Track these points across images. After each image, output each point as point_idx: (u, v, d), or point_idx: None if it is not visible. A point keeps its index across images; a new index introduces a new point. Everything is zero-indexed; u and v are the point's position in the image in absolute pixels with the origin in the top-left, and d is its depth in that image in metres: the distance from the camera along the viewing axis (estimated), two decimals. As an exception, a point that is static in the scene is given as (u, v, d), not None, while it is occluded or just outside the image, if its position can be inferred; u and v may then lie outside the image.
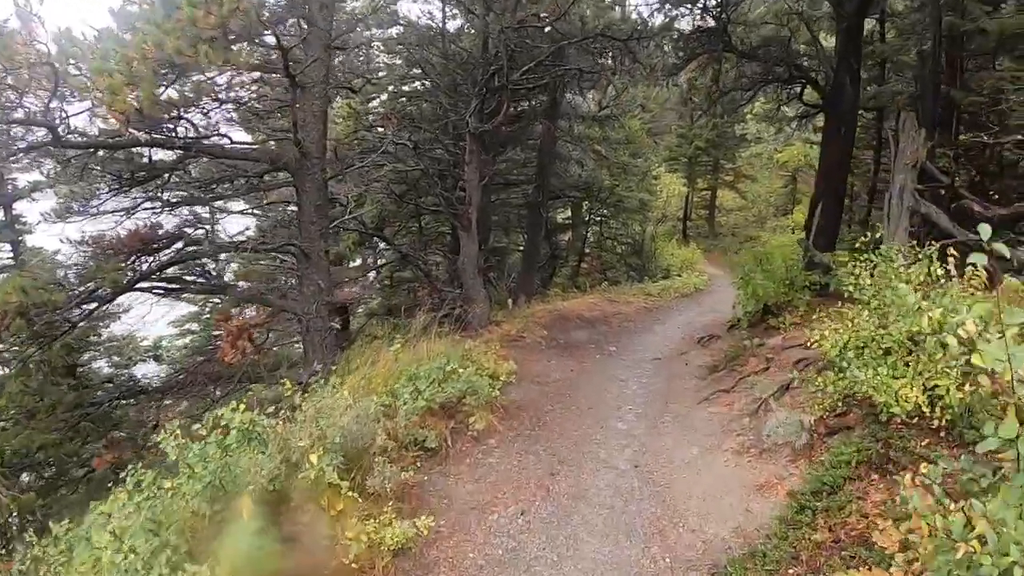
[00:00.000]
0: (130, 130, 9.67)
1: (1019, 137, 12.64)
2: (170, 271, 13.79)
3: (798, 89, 17.65)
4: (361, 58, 20.87)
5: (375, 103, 23.16)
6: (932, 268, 7.58)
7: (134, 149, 12.63)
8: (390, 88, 22.73)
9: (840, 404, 7.88)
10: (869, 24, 16.76)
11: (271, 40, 12.21)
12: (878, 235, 9.60)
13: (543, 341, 14.33)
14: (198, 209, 17.06)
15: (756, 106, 32.38)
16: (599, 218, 28.94)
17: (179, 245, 13.93)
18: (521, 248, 30.19)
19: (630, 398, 11.27)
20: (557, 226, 30.50)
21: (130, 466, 6.07)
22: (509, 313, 18.72)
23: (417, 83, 22.43)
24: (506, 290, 23.95)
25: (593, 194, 27.01)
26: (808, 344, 8.70)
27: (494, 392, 9.75)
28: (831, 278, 12.84)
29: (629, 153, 25.88)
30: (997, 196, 12.69)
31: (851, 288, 8.03)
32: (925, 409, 6.19)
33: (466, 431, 8.95)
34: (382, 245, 28.02)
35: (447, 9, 20.01)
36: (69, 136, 10.74)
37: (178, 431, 6.01)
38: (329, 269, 13.48)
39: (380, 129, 19.27)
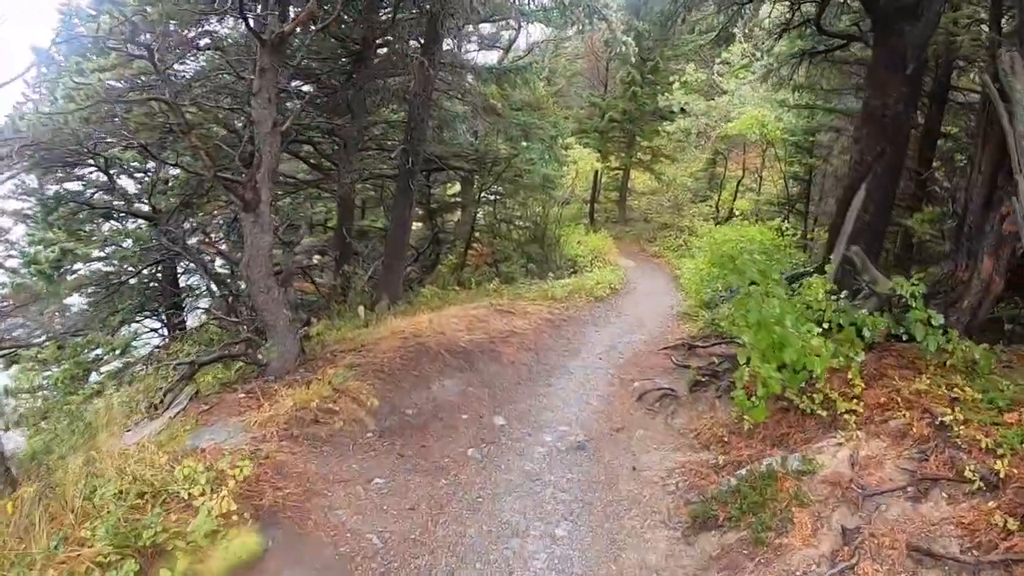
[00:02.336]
0: None
1: None
2: None
3: (815, 8, 11.02)
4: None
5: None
6: None
7: None
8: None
9: None
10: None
11: None
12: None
13: (370, 420, 7.50)
14: None
15: (688, 72, 26.49)
16: (493, 196, 22.26)
17: None
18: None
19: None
20: (445, 204, 23.58)
21: None
22: (356, 333, 11.95)
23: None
24: (366, 290, 17.03)
25: (485, 166, 20.26)
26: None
27: None
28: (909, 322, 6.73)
29: (535, 116, 19.16)
30: None
31: None
32: None
33: None
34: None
35: None
36: None
37: None
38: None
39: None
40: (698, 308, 17.40)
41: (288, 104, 15.70)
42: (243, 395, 8.33)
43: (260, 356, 8.72)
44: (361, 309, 14.15)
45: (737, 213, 18.96)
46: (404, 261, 16.34)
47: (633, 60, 26.08)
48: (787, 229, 16.44)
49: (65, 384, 15.22)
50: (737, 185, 28.67)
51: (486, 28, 21.83)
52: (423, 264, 21.94)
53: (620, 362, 11.91)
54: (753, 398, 6.19)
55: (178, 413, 8.42)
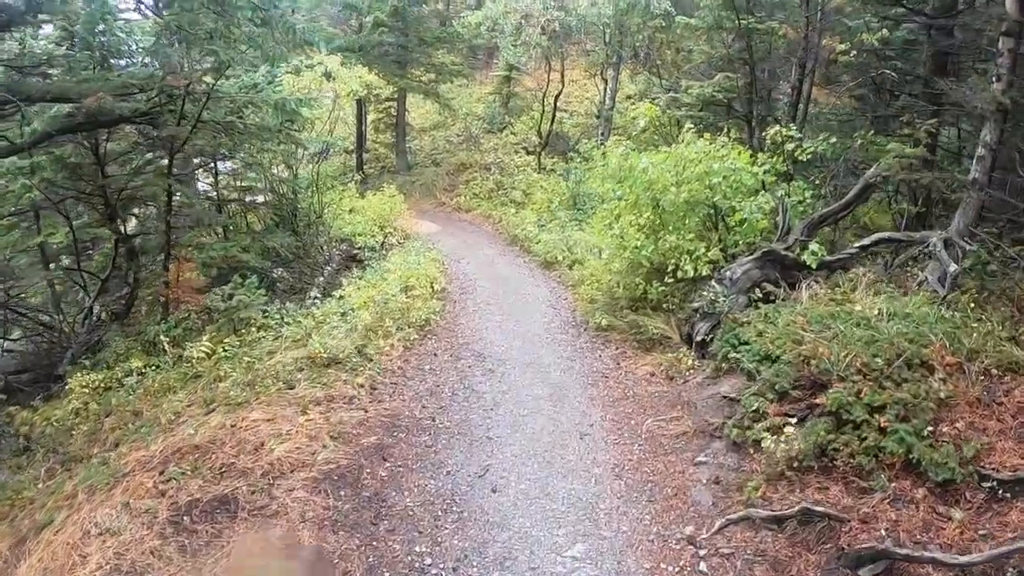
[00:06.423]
0: None
1: None
2: None
3: None
4: None
5: None
6: None
7: None
8: None
9: None
10: None
11: None
12: None
13: None
14: None
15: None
16: (197, 160, 11.96)
17: None
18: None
19: None
20: (135, 190, 12.24)
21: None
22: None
23: None
24: None
25: (171, 107, 9.92)
26: None
27: None
28: None
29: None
30: None
31: None
32: None
33: None
34: None
35: None
36: None
37: None
38: None
39: None
40: (622, 306, 9.24)
41: None
42: None
43: None
44: None
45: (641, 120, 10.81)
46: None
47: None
48: (783, 141, 8.78)
49: None
50: (556, 101, 20.69)
51: None
52: (116, 300, 11.49)
53: None
54: None
55: None
